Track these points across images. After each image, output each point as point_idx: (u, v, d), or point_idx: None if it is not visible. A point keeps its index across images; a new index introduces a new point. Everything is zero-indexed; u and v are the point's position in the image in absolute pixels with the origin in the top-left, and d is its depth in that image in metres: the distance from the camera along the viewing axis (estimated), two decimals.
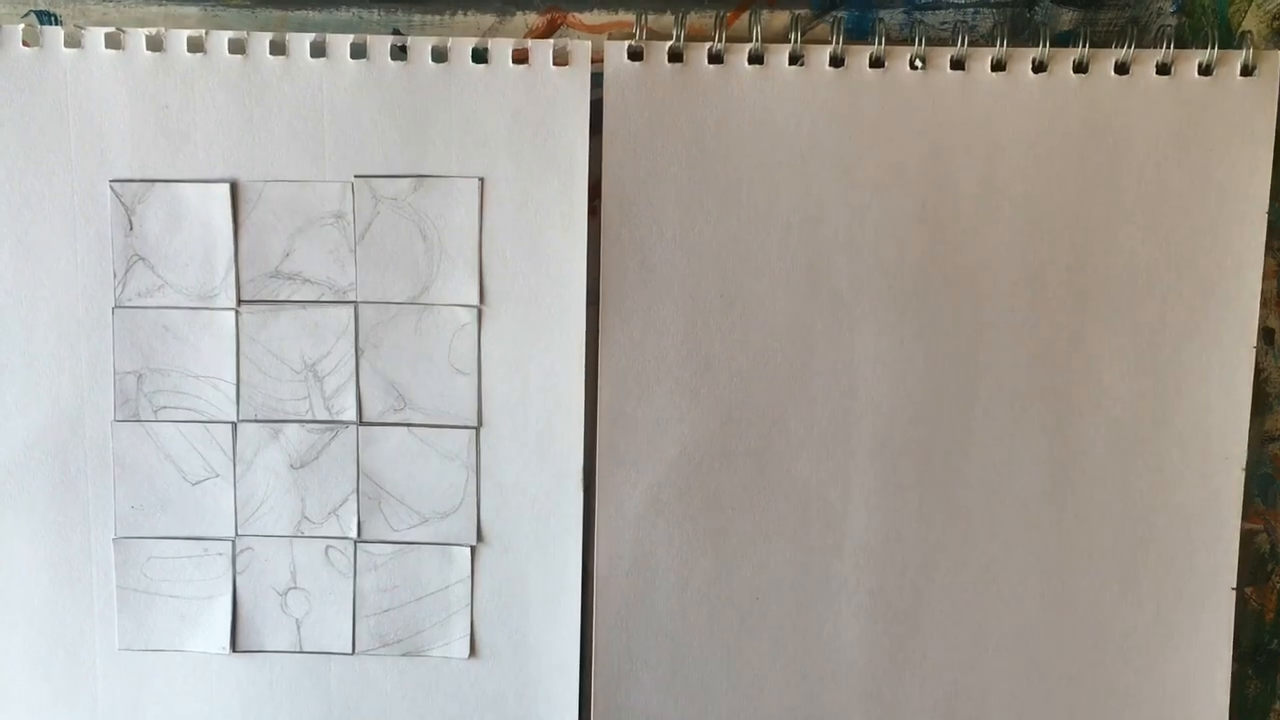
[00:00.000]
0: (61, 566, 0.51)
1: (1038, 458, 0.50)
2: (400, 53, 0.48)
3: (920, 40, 0.48)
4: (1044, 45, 0.48)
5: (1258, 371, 0.50)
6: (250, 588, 0.51)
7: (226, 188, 0.49)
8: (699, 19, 0.49)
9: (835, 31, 0.48)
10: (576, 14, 0.50)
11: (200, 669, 0.52)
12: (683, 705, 0.51)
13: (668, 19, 0.49)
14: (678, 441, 0.50)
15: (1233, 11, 0.50)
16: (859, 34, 0.49)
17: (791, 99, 0.48)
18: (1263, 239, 0.49)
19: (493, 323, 0.50)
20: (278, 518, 0.51)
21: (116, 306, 0.50)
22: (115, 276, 0.49)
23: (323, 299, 0.50)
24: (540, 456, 0.50)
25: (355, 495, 0.51)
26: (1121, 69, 0.48)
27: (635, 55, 0.48)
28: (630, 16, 0.49)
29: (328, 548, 0.51)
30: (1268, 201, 0.48)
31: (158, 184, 0.49)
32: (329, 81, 0.48)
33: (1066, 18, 0.50)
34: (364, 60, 0.48)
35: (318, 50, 0.48)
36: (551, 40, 0.49)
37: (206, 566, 0.51)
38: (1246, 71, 0.48)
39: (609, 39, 0.49)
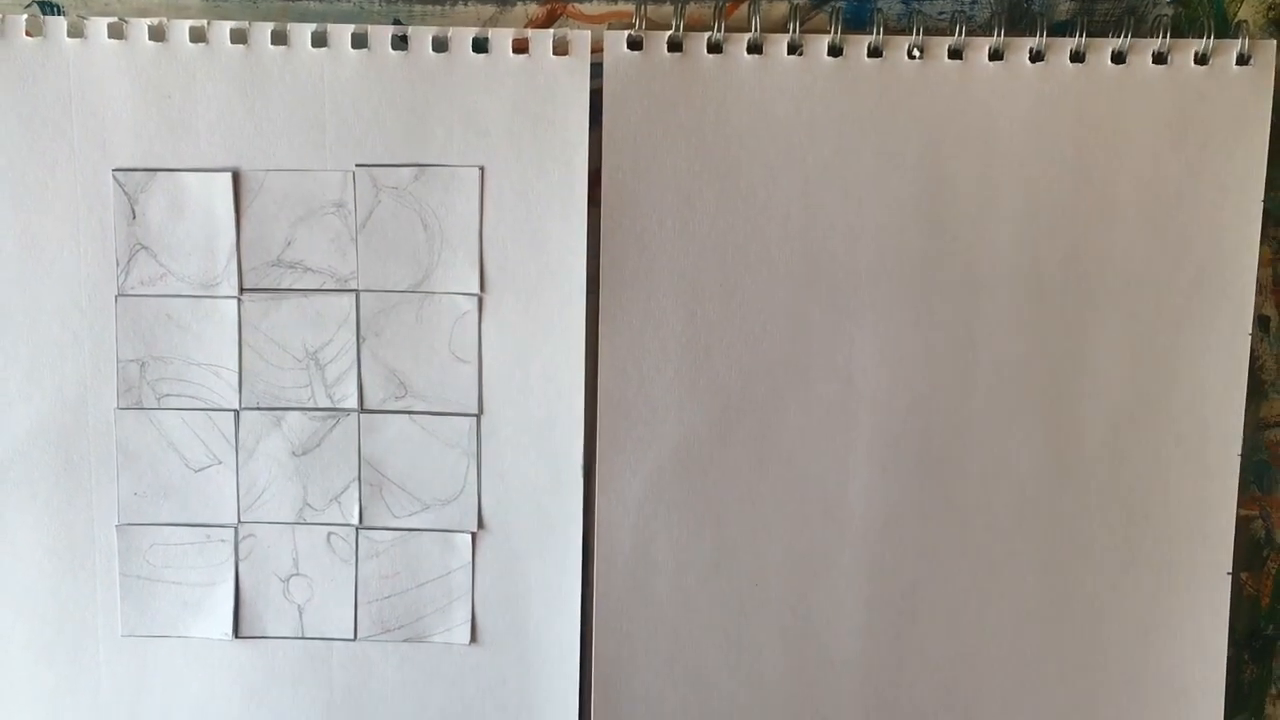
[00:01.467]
0: (65, 553, 0.51)
1: (1035, 445, 0.50)
2: (401, 43, 0.48)
3: (918, 30, 0.48)
4: (1041, 35, 0.48)
5: (1253, 358, 0.51)
6: (252, 574, 0.51)
7: (228, 177, 0.49)
8: (698, 9, 0.50)
9: (834, 21, 0.48)
10: (576, 4, 0.50)
11: (203, 655, 0.52)
12: (682, 691, 0.51)
13: (667, 9, 0.49)
14: (677, 429, 0.50)
15: (1229, 1, 0.50)
16: (857, 24, 0.50)
17: (790, 88, 0.49)
18: (1258, 227, 0.49)
19: (493, 311, 0.50)
20: (280, 505, 0.51)
21: (119, 295, 0.50)
22: (118, 265, 0.50)
23: (324, 287, 0.50)
24: (541, 444, 0.50)
25: (357, 482, 0.51)
26: (1118, 58, 0.48)
27: (635, 45, 0.48)
28: (630, 6, 0.50)
29: (329, 534, 0.51)
30: (1263, 190, 0.49)
31: (160, 173, 0.49)
32: (330, 71, 0.49)
33: (1064, 7, 0.50)
34: (365, 50, 0.48)
35: (319, 40, 0.48)
36: (551, 30, 0.49)
37: (209, 553, 0.51)
38: (1242, 61, 0.48)
39: (609, 29, 0.49)
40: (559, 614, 0.51)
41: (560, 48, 0.48)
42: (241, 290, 0.50)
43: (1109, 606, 0.51)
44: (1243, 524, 0.51)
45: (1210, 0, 0.50)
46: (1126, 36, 0.48)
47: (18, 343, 0.50)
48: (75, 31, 0.48)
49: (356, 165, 0.49)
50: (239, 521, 0.51)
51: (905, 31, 0.48)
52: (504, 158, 0.49)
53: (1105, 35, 0.48)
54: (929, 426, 0.50)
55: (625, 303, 0.50)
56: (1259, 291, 0.50)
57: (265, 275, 0.50)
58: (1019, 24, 0.50)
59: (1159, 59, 0.48)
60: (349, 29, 0.48)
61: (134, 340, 0.50)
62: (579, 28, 0.49)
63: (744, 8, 0.50)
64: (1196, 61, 0.48)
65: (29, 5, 0.50)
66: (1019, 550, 0.51)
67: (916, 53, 0.48)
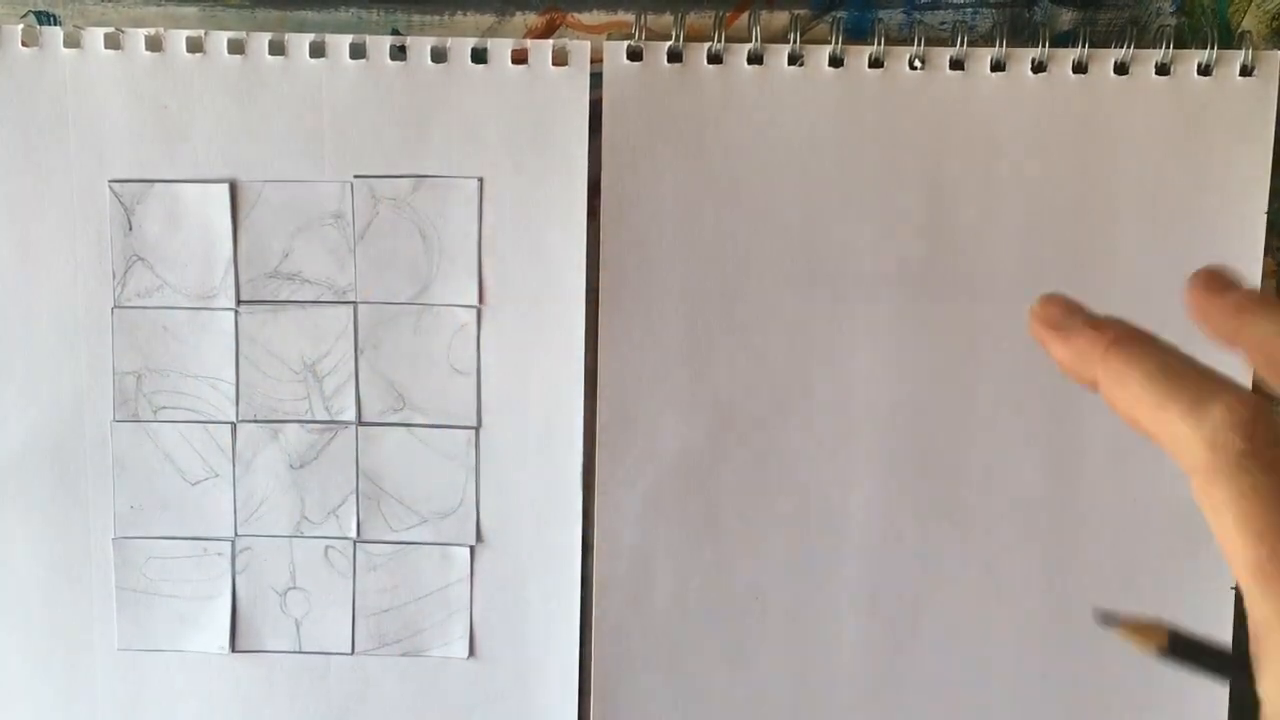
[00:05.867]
0: (61, 567, 0.51)
1: (1038, 456, 0.50)
2: (399, 53, 0.48)
3: (919, 40, 0.48)
4: (1043, 45, 0.48)
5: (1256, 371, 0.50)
6: (250, 588, 0.51)
7: (226, 188, 0.49)
8: (698, 19, 0.49)
9: (834, 32, 0.48)
10: (575, 14, 0.50)
11: (200, 669, 0.52)
12: (682, 705, 0.51)
13: (667, 19, 0.49)
14: (677, 441, 0.50)
15: (1232, 11, 0.50)
16: (858, 34, 0.49)
17: (791, 99, 0.48)
18: (1262, 239, 0.49)
19: (492, 323, 0.50)
20: (277, 518, 0.51)
21: (116, 307, 0.50)
22: (114, 277, 0.49)
23: (322, 299, 0.50)
24: (540, 456, 0.50)
25: (355, 495, 0.51)
26: (1121, 69, 0.48)
27: (634, 55, 0.48)
28: (629, 17, 0.49)
29: (327, 548, 0.51)
30: (1267, 201, 0.48)
31: (157, 184, 0.49)
32: (328, 82, 0.48)
33: (1066, 18, 0.50)
34: (363, 60, 0.48)
35: (317, 50, 0.48)
36: (551, 40, 0.49)
37: (206, 566, 0.51)
38: (1246, 72, 0.48)
39: (608, 39, 0.49)
40: (558, 627, 0.51)
41: (559, 58, 0.48)
42: (239, 302, 0.50)
43: None
44: None
45: (1214, 11, 0.49)
46: (1129, 47, 0.47)
47: (13, 355, 0.50)
48: (71, 42, 0.48)
49: (355, 176, 0.49)
50: (236, 535, 0.51)
51: (906, 42, 0.48)
52: (503, 168, 0.49)
53: (1108, 46, 0.48)
54: (930, 438, 0.50)
55: (625, 314, 0.49)
56: None
57: (263, 287, 0.50)
58: (1021, 34, 0.49)
59: (1162, 70, 0.48)
60: (347, 39, 0.48)
61: (130, 352, 0.50)
62: (578, 38, 0.49)
63: (744, 18, 0.49)
64: (1200, 72, 0.48)
65: (25, 15, 0.50)
66: (1021, 562, 0.51)
67: (918, 63, 0.48)
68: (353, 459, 0.50)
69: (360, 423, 0.50)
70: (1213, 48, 0.47)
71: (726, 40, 0.48)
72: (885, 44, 0.48)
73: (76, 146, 0.49)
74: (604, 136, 0.48)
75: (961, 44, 0.48)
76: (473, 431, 0.50)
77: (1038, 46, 0.48)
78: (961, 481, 0.50)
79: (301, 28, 0.49)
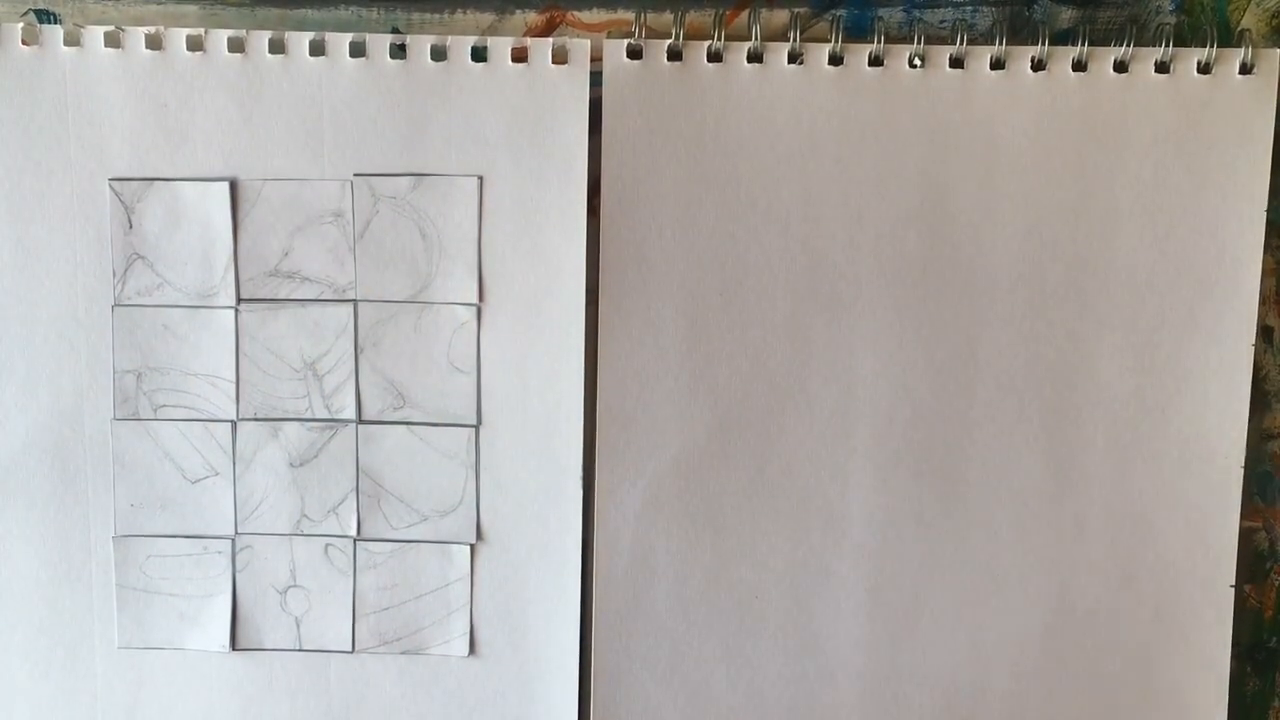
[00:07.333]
0: (61, 565, 0.51)
1: (1037, 456, 0.50)
2: (399, 51, 0.48)
3: (919, 39, 0.48)
4: (1043, 44, 0.48)
5: (1256, 369, 0.50)
6: (250, 586, 0.51)
7: (226, 186, 0.49)
8: (698, 17, 0.49)
9: (834, 30, 0.48)
10: (575, 12, 0.50)
11: (200, 667, 0.52)
12: (682, 704, 0.51)
13: (667, 17, 0.49)
14: (677, 440, 0.50)
15: (1231, 10, 0.50)
16: (858, 32, 0.49)
17: (791, 97, 0.48)
18: (1261, 237, 0.49)
19: (492, 321, 0.50)
20: (277, 516, 0.51)
21: (116, 305, 0.50)
22: (115, 275, 0.49)
23: (322, 297, 0.50)
24: (540, 455, 0.50)
25: (355, 493, 0.51)
26: (1120, 67, 0.48)
27: (634, 54, 0.48)
28: (629, 15, 0.49)
29: (327, 546, 0.51)
30: (1266, 199, 0.49)
31: (157, 182, 0.49)
32: (328, 80, 0.48)
33: (1065, 16, 0.50)
34: (363, 59, 0.48)
35: (317, 49, 0.48)
36: (550, 39, 0.49)
37: (206, 565, 0.51)
38: (1245, 70, 0.48)
39: (608, 37, 0.49)
40: (558, 625, 0.51)
41: (559, 56, 0.48)
42: (239, 300, 0.50)
43: (1110, 618, 0.51)
44: (1246, 536, 0.51)
45: (1213, 9, 0.49)
46: (1129, 45, 0.47)
47: (14, 353, 0.50)
48: (72, 40, 0.48)
49: (354, 174, 0.49)
50: (236, 533, 0.51)
51: (906, 40, 0.48)
52: (503, 167, 0.49)
53: (1107, 44, 0.48)
54: (930, 436, 0.50)
55: (625, 312, 0.49)
56: (1262, 302, 0.49)
57: (263, 285, 0.50)
58: (1020, 33, 0.49)
59: (1161, 68, 0.48)
60: (347, 38, 0.48)
61: (131, 351, 0.50)
62: (578, 36, 0.49)
63: (744, 16, 0.49)
64: (1199, 70, 0.48)
65: (25, 14, 0.50)
66: (1020, 561, 0.51)
67: (918, 61, 0.48)
68: (353, 457, 0.50)
69: (360, 421, 0.50)
70: (1212, 46, 0.47)
71: (726, 38, 0.48)
72: (885, 42, 0.48)
73: (76, 145, 0.49)
74: (604, 135, 0.48)
75: (961, 42, 0.48)
76: (473, 429, 0.50)
77: (1037, 45, 0.48)
78: (961, 481, 0.50)
79: (301, 26, 0.49)
